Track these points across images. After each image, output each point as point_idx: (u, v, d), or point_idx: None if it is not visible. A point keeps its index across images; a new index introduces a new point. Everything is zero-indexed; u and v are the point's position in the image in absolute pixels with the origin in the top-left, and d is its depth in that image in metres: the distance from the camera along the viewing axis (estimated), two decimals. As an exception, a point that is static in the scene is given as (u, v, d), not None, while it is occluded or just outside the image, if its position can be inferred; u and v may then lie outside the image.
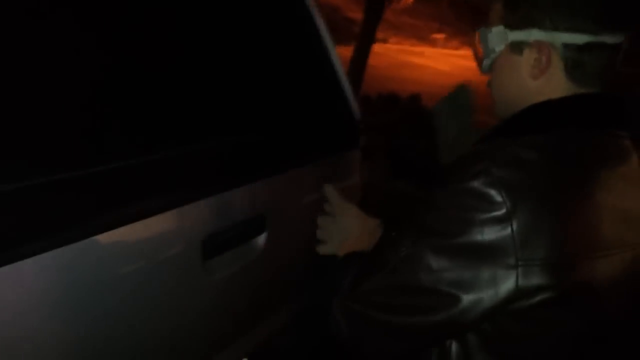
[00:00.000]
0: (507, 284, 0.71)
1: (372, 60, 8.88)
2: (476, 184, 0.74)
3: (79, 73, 1.14)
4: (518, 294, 0.72)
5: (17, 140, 1.01)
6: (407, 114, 7.33)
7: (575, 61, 0.83)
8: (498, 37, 0.86)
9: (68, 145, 1.08)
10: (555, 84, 0.86)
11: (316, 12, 1.88)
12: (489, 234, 0.72)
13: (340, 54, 2.02)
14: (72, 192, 1.07)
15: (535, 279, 0.71)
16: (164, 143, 1.27)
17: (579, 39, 0.80)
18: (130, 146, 1.19)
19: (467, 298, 0.73)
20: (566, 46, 0.82)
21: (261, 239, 1.52)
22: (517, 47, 0.86)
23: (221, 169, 1.41)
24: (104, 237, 1.12)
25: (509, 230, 0.71)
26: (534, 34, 0.83)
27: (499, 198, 0.72)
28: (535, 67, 0.85)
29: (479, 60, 0.93)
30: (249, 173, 1.47)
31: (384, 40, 18.48)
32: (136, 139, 1.22)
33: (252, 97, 1.56)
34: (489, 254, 0.72)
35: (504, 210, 0.71)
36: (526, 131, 0.82)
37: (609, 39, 0.80)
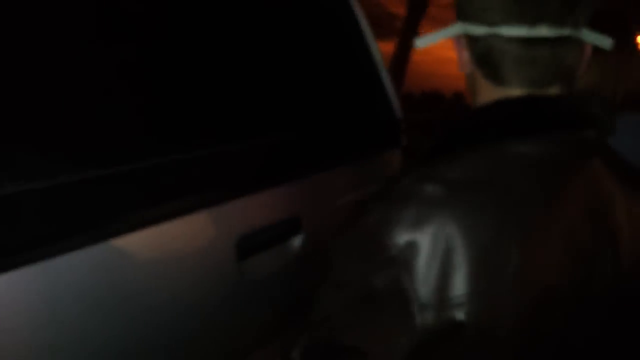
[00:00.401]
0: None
1: (415, 57, 8.73)
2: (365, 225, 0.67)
3: (118, 72, 1.14)
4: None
5: (54, 137, 1.01)
6: (451, 111, 7.17)
7: (481, 56, 0.71)
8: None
9: (107, 142, 1.08)
10: (479, 86, 0.74)
11: (357, 7, 1.84)
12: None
13: (382, 50, 1.96)
14: (109, 189, 1.07)
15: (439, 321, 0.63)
16: (200, 142, 1.25)
17: (478, 30, 0.69)
18: (167, 145, 1.18)
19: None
20: (471, 39, 0.71)
21: (297, 241, 1.49)
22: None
23: (257, 168, 1.39)
24: (138, 236, 1.11)
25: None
26: (455, 27, 0.73)
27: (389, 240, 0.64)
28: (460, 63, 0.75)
29: None
30: (285, 173, 1.44)
31: (428, 36, 18.10)
32: (173, 138, 1.21)
33: (290, 95, 1.53)
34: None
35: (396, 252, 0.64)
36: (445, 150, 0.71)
37: (509, 30, 0.67)
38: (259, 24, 1.49)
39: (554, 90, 0.70)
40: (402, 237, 0.63)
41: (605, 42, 0.68)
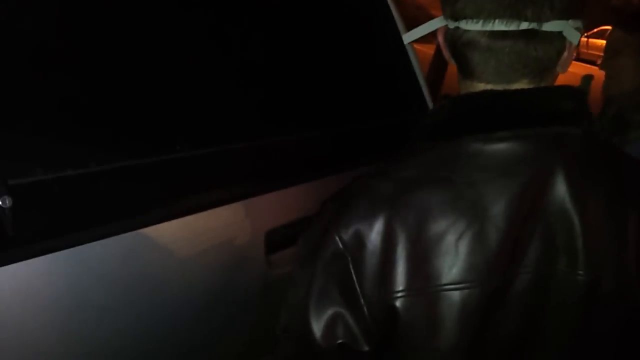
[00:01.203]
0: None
1: (455, 60, 8.60)
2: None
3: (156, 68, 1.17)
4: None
5: (89, 127, 1.05)
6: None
7: (451, 49, 0.71)
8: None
9: (141, 133, 1.11)
10: (458, 78, 0.74)
11: (396, 12, 1.83)
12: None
13: (423, 53, 1.95)
14: (141, 180, 1.10)
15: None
16: (231, 136, 1.27)
17: (449, 24, 0.69)
18: (197, 138, 1.21)
19: None
20: (446, 32, 0.71)
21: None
22: None
23: (289, 163, 1.40)
24: (169, 226, 1.14)
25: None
26: (436, 21, 0.73)
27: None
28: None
29: None
30: (317, 169, 1.45)
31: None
32: (205, 131, 1.23)
33: (329, 94, 1.55)
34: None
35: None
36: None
37: (467, 24, 0.66)
38: (303, 27, 1.52)
39: (520, 85, 0.68)
40: (348, 231, 0.66)
41: (574, 37, 0.66)
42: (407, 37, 0.79)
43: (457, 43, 0.69)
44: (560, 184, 0.66)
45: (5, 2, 0.96)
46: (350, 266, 0.65)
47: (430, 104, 1.92)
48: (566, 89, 0.69)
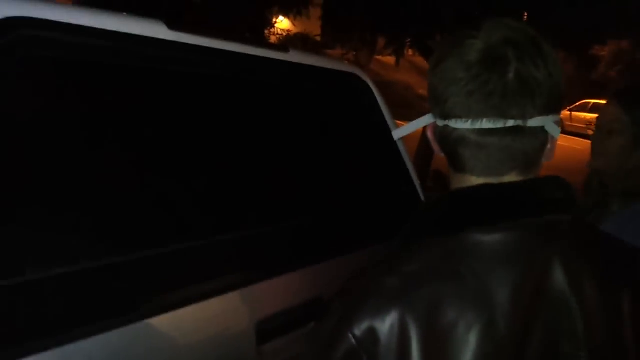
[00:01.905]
0: None
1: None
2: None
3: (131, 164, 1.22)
4: None
5: (76, 224, 1.07)
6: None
7: (441, 145, 0.75)
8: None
9: (128, 229, 1.14)
10: (450, 172, 0.77)
11: (382, 103, 1.94)
12: None
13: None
14: (130, 274, 1.11)
15: None
16: (221, 227, 1.30)
17: (438, 121, 0.73)
18: (186, 231, 1.23)
19: None
20: (435, 128, 0.75)
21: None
22: None
23: (278, 251, 1.41)
24: (159, 320, 1.13)
25: None
26: (426, 118, 0.77)
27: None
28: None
29: None
30: (307, 256, 1.46)
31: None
32: (193, 224, 1.26)
33: (316, 182, 1.59)
34: None
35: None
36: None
37: (456, 123, 0.70)
38: (291, 121, 1.59)
39: (510, 178, 0.72)
40: (362, 328, 0.66)
41: (555, 131, 0.71)
42: (397, 134, 0.84)
43: (448, 140, 0.72)
44: (558, 270, 0.69)
45: None
46: None
47: (418, 186, 1.97)
48: (554, 179, 0.73)
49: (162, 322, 1.14)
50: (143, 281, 1.13)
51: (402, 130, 0.82)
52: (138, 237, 1.14)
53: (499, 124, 0.68)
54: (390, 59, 15.35)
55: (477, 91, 0.68)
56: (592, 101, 16.16)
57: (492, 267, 0.68)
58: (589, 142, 1.48)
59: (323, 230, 1.54)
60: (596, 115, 1.54)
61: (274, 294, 1.37)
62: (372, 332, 0.65)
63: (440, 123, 0.73)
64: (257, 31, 8.25)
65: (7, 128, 0.99)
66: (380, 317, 0.66)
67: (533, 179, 0.73)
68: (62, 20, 1.09)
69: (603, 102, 1.95)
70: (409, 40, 7.09)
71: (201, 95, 1.39)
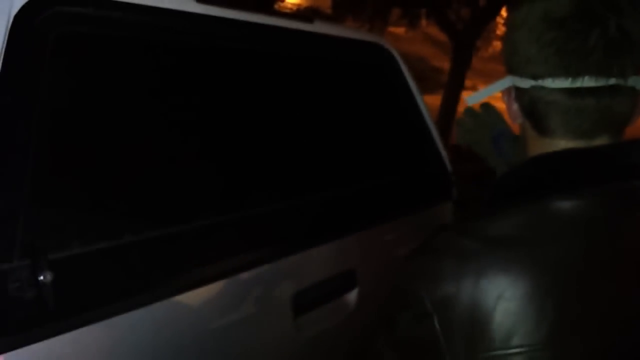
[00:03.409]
0: None
1: (461, 108, 8.75)
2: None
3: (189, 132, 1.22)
4: None
5: (121, 200, 1.09)
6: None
7: (528, 108, 0.71)
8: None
9: (170, 203, 1.15)
10: (528, 136, 0.74)
11: (407, 71, 1.92)
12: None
13: (429, 104, 2.01)
14: (168, 248, 1.12)
15: None
16: (256, 200, 1.30)
17: (524, 83, 0.70)
18: (223, 203, 1.24)
19: None
20: (518, 91, 0.72)
21: (352, 295, 1.49)
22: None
23: (312, 224, 1.42)
24: (197, 292, 1.15)
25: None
26: (505, 81, 0.74)
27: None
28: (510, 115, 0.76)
29: None
30: (339, 227, 1.47)
31: (473, 88, 18.28)
32: (229, 197, 1.26)
33: (347, 154, 1.59)
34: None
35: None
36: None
37: (553, 83, 0.67)
38: (322, 93, 1.58)
39: (601, 141, 0.69)
40: (436, 290, 0.65)
41: None
42: (472, 99, 0.80)
43: (539, 102, 0.69)
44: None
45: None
46: (437, 326, 0.65)
47: (445, 157, 1.96)
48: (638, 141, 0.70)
49: (200, 295, 1.16)
50: (182, 255, 1.15)
51: (478, 95, 0.78)
52: (175, 211, 1.16)
53: (601, 82, 0.65)
54: (403, 31, 15.08)
55: (577, 48, 0.64)
56: None
57: (573, 234, 0.66)
58: None
59: (354, 203, 1.54)
60: None
61: (310, 266, 1.38)
62: (445, 295, 0.64)
63: (529, 84, 0.69)
64: (268, 5, 8.17)
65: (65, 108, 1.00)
66: (454, 280, 0.65)
67: (622, 143, 0.70)
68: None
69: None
70: (424, 10, 6.96)
71: (236, 68, 1.38)
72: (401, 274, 0.71)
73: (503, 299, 0.63)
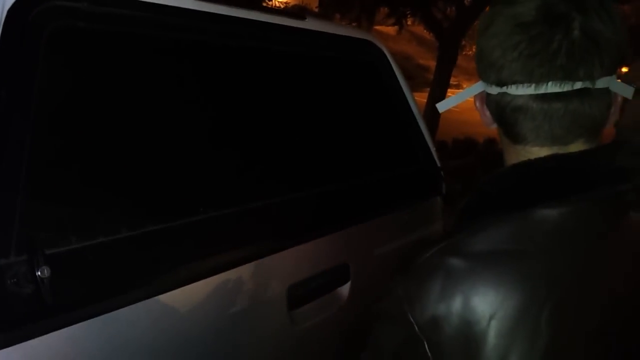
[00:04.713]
0: None
1: (447, 106, 8.80)
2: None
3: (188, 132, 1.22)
4: None
5: (117, 195, 1.09)
6: (484, 157, 7.14)
7: (497, 115, 0.68)
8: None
9: (162, 197, 1.15)
10: (504, 143, 0.71)
11: (398, 70, 1.94)
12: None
13: (415, 101, 2.03)
14: (164, 243, 1.13)
15: None
16: (251, 195, 1.31)
17: (492, 89, 0.67)
18: (218, 199, 1.24)
19: None
20: (489, 97, 0.69)
21: (345, 289, 1.51)
22: None
23: (307, 218, 1.43)
24: (194, 287, 1.16)
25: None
26: (475, 87, 0.72)
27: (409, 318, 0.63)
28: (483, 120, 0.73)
29: None
30: (333, 221, 1.48)
31: (458, 86, 18.42)
32: (224, 192, 1.27)
33: (338, 149, 1.60)
34: None
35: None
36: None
37: (517, 89, 0.64)
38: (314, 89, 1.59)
39: (576, 146, 0.66)
40: (424, 314, 0.62)
41: (626, 91, 0.65)
42: (443, 106, 0.78)
43: (506, 109, 0.66)
44: (630, 244, 0.66)
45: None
46: (427, 350, 0.62)
47: (434, 152, 1.98)
48: (625, 145, 0.68)
49: (196, 289, 1.16)
50: (178, 250, 1.15)
51: (449, 102, 0.77)
52: (171, 206, 1.16)
53: (567, 87, 0.62)
54: (390, 30, 15.15)
55: (539, 52, 0.62)
56: None
57: (560, 244, 0.63)
58: None
59: (347, 197, 1.55)
60: None
61: (304, 259, 1.39)
62: (434, 318, 0.62)
63: (495, 91, 0.67)
64: (256, 3, 8.14)
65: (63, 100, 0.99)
66: (444, 302, 0.62)
67: (604, 147, 0.67)
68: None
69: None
70: (410, 10, 7.00)
71: (231, 64, 1.38)
72: (386, 299, 0.68)
73: (495, 319, 0.61)
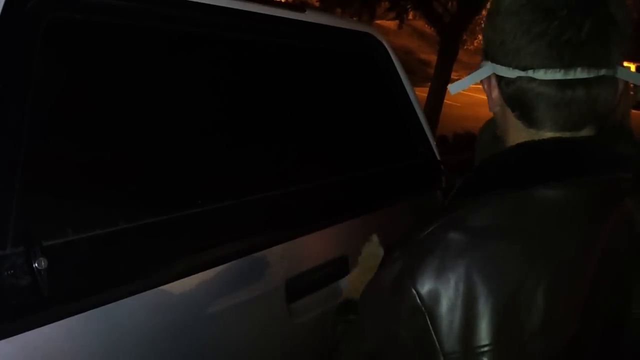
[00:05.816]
0: None
1: (447, 99, 8.80)
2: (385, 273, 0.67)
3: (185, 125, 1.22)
4: None
5: (114, 187, 1.09)
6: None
7: (514, 98, 0.69)
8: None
9: (159, 189, 1.15)
10: (510, 125, 0.72)
11: (399, 65, 1.93)
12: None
13: (416, 94, 2.03)
14: (162, 235, 1.12)
15: None
16: (250, 187, 1.31)
17: (510, 72, 0.67)
18: (217, 192, 1.24)
19: None
20: (502, 80, 0.70)
21: (345, 281, 1.51)
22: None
23: (306, 210, 1.43)
24: (192, 279, 1.16)
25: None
26: (485, 70, 0.72)
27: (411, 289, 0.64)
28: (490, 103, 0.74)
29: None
30: (333, 214, 1.48)
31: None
32: (223, 185, 1.27)
33: (338, 142, 1.60)
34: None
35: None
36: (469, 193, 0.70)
37: (545, 74, 0.65)
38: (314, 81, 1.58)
39: (587, 132, 0.68)
40: (425, 286, 0.63)
41: (638, 79, 0.67)
42: (454, 88, 0.78)
43: (528, 93, 0.67)
44: (626, 229, 0.67)
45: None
46: (428, 322, 0.63)
47: (434, 146, 1.98)
48: (627, 134, 0.71)
49: (195, 281, 1.16)
50: (177, 242, 1.15)
51: (459, 84, 0.77)
52: (168, 199, 1.15)
53: (593, 73, 0.63)
54: (391, 24, 15.11)
55: (570, 39, 0.63)
56: None
57: (559, 223, 0.65)
58: None
59: (346, 190, 1.55)
60: None
61: (303, 252, 1.39)
62: (435, 291, 0.63)
63: (514, 74, 0.67)
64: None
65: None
66: (444, 275, 0.63)
67: (607, 133, 0.69)
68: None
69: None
70: (410, 4, 6.97)
71: (230, 56, 1.38)
72: (386, 265, 0.69)
73: (494, 292, 0.62)
